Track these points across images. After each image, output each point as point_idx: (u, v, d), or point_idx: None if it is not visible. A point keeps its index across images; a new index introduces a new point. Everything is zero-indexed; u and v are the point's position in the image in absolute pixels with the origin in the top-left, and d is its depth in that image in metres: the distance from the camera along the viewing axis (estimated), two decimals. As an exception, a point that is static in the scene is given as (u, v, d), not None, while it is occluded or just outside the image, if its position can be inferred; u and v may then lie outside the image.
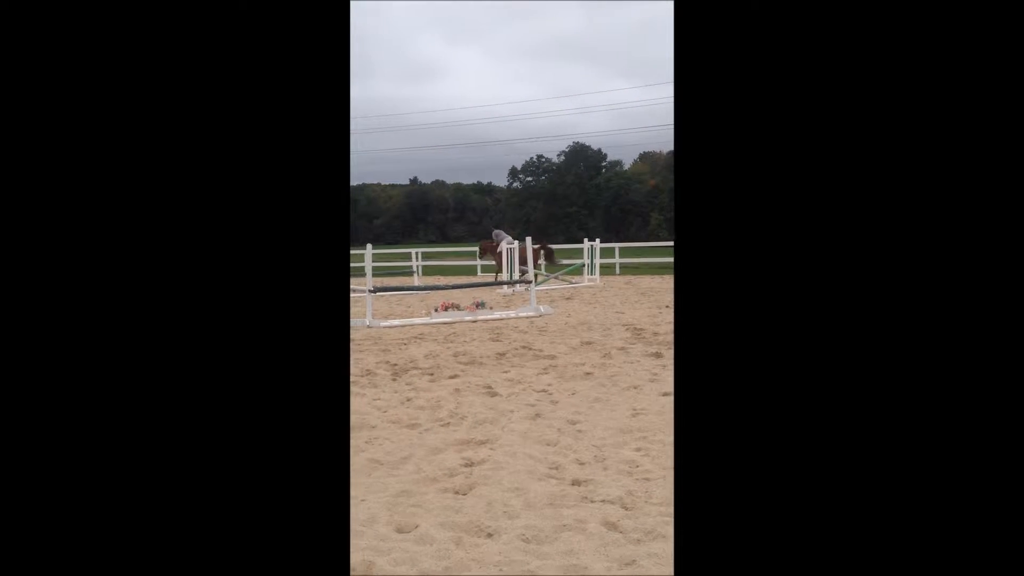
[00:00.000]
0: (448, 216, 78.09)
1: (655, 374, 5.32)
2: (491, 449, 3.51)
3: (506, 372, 5.59)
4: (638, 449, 3.43)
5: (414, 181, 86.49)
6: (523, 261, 12.84)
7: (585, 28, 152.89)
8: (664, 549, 2.28)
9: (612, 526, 2.50)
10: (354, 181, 78.18)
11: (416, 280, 18.95)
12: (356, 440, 3.72)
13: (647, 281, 17.16)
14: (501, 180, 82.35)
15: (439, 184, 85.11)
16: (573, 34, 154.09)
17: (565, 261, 19.41)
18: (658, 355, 6.12)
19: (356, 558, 2.27)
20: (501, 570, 2.20)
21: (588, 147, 69.88)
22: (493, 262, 16.93)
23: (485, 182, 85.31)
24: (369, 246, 10.48)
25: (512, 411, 4.28)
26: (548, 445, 3.56)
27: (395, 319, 9.58)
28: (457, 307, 10.33)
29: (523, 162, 74.57)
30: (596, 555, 2.28)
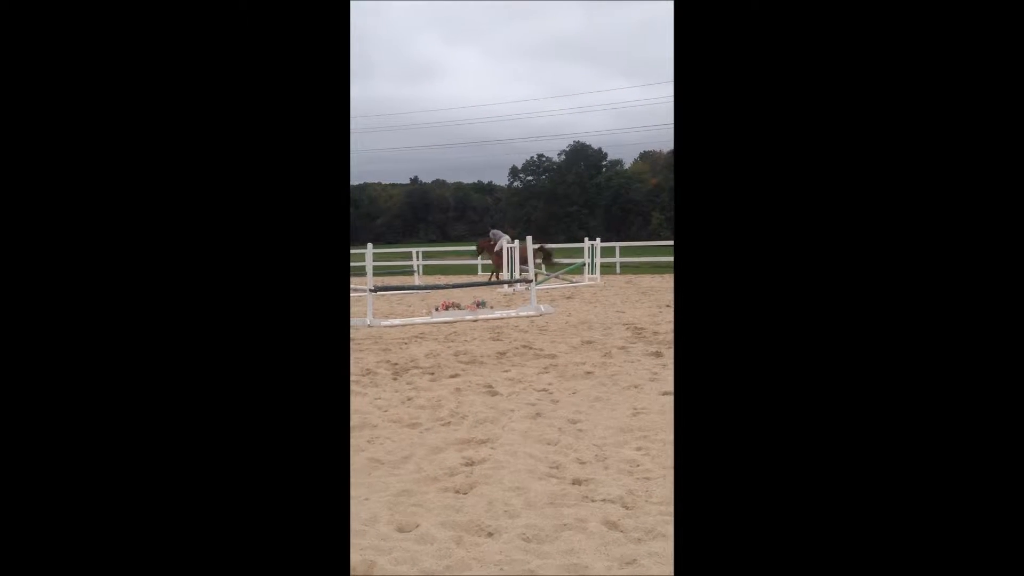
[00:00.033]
0: (449, 215, 78.07)
1: (655, 373, 5.32)
2: (492, 448, 3.51)
3: (507, 371, 5.59)
4: (639, 448, 3.43)
5: (415, 180, 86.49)
6: (524, 261, 12.84)
7: (585, 28, 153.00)
8: (664, 548, 2.28)
9: (613, 525, 2.51)
10: (355, 180, 78.26)
11: (417, 279, 18.94)
12: (357, 439, 3.72)
13: (647, 280, 17.16)
14: (502, 179, 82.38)
15: (440, 183, 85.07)
16: (573, 34, 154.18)
17: (564, 260, 19.42)
18: (658, 354, 6.12)
19: (357, 557, 2.27)
20: (502, 569, 2.21)
21: (589, 146, 69.84)
22: (490, 260, 16.97)
23: (486, 181, 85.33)
24: (370, 245, 10.48)
25: (513, 410, 4.28)
26: (549, 444, 3.56)
27: (396, 318, 9.58)
28: (458, 306, 10.33)
29: (523, 161, 74.60)
30: (597, 554, 2.28)
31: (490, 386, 5.02)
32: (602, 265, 17.76)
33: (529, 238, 12.01)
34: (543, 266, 16.52)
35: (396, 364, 6.04)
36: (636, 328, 7.93)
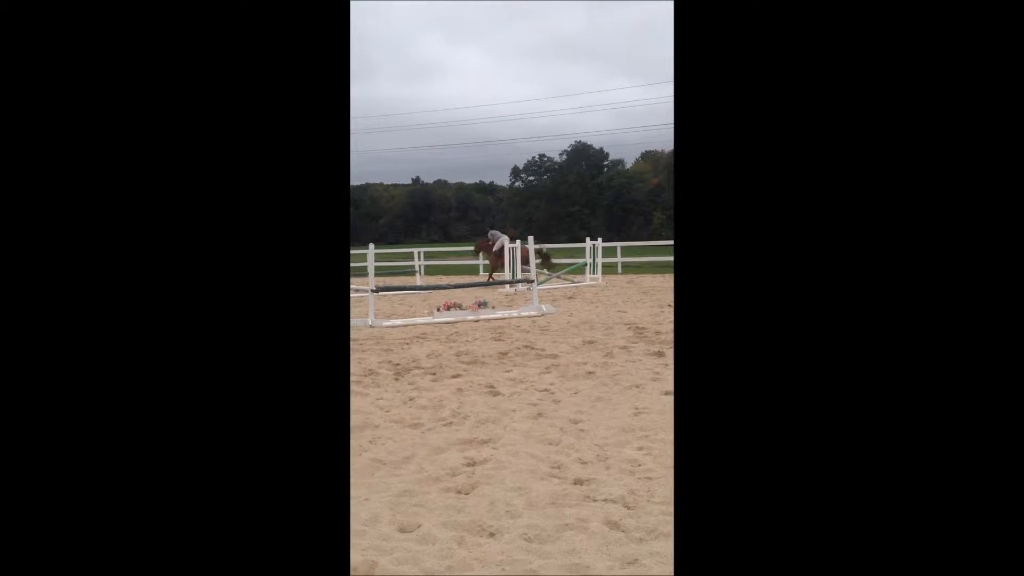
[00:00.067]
0: (450, 215, 78.09)
1: (657, 373, 5.31)
2: (493, 448, 3.51)
3: (508, 371, 5.59)
4: (640, 448, 3.43)
5: (416, 181, 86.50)
6: (525, 261, 12.85)
7: (585, 28, 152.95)
8: (666, 548, 2.28)
9: (614, 525, 2.50)
10: (356, 181, 78.32)
11: (418, 280, 18.96)
12: (359, 440, 3.72)
13: (649, 280, 17.15)
14: (503, 179, 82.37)
15: (441, 184, 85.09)
16: (573, 34, 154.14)
17: (563, 261, 19.41)
18: (660, 354, 6.12)
19: (359, 558, 2.27)
20: (503, 569, 2.21)
21: (590, 146, 69.81)
22: (487, 261, 17.01)
23: (487, 181, 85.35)
24: (371, 245, 10.48)
25: (514, 410, 4.28)
26: (550, 444, 3.56)
27: (397, 319, 9.59)
28: (459, 306, 10.33)
29: (525, 161, 74.61)
30: (598, 554, 2.28)
31: (492, 386, 5.02)
32: (603, 265, 17.75)
33: (531, 238, 12.02)
34: (545, 268, 16.53)
35: (398, 364, 6.04)
36: (638, 328, 7.93)
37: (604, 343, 6.89)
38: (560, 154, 71.22)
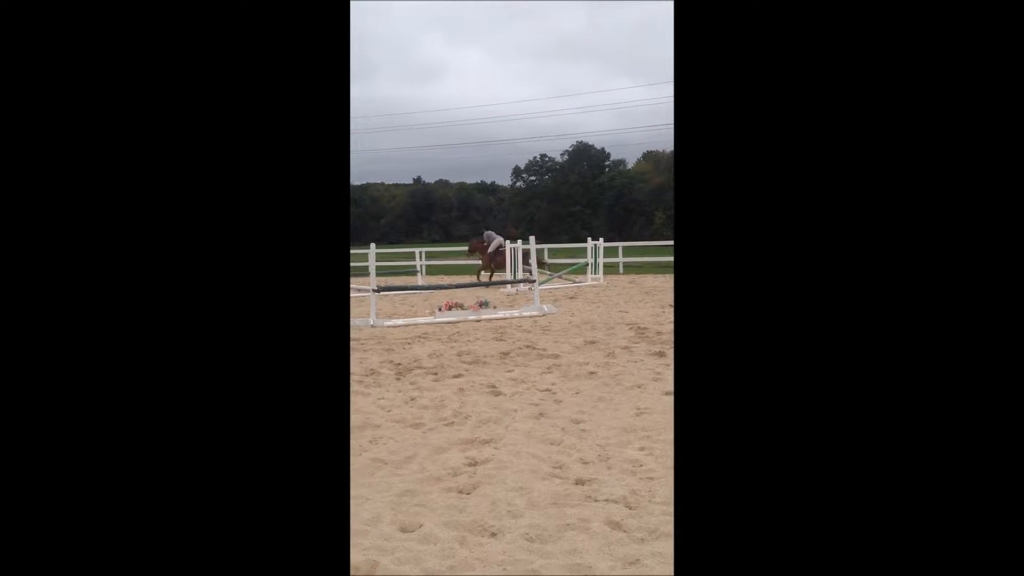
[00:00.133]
0: (452, 215, 78.10)
1: (659, 373, 5.31)
2: (495, 448, 3.51)
3: (510, 371, 5.59)
4: (642, 448, 3.43)
5: (418, 180, 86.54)
6: (525, 261, 12.85)
7: (585, 28, 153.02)
8: (668, 548, 2.28)
9: (616, 525, 2.50)
10: (358, 181, 78.40)
11: (420, 279, 18.96)
12: (360, 440, 3.72)
13: (650, 280, 17.14)
14: (505, 179, 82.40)
15: (443, 183, 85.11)
16: (573, 34, 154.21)
17: (557, 261, 19.40)
18: (661, 354, 6.12)
19: (360, 557, 2.27)
20: (505, 569, 2.21)
21: (591, 146, 69.78)
22: (480, 261, 17.04)
23: (489, 181, 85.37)
24: (373, 245, 10.49)
25: (516, 410, 4.28)
26: (552, 444, 3.56)
27: (399, 318, 9.59)
28: (461, 306, 10.33)
29: (526, 161, 74.60)
30: (600, 554, 2.28)
31: (493, 386, 5.02)
32: (605, 265, 17.75)
33: (532, 238, 12.02)
34: (541, 268, 16.53)
35: (399, 364, 6.04)
36: (639, 328, 7.93)
37: (606, 343, 6.89)
38: (561, 154, 71.26)
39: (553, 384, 5.05)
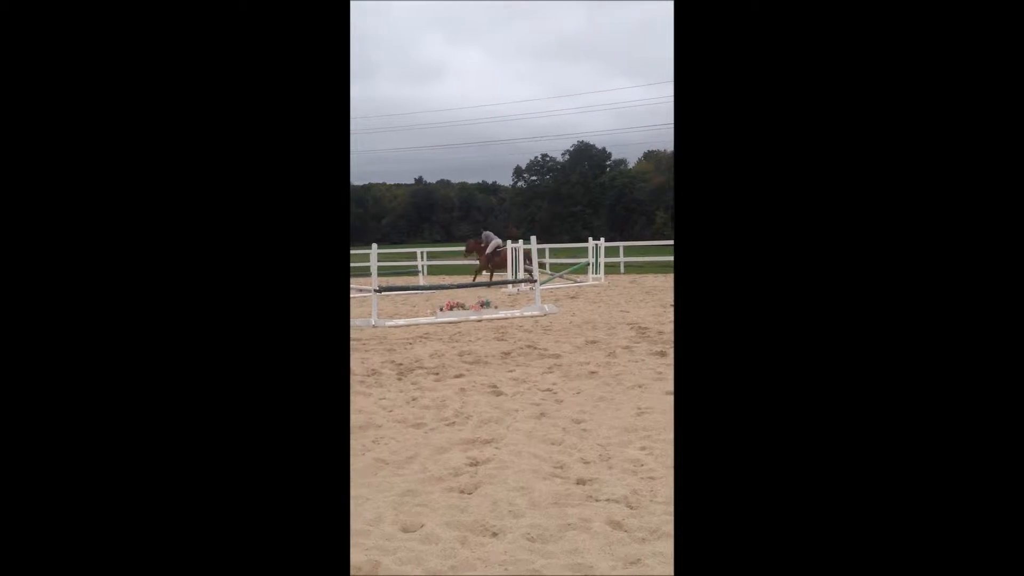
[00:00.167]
0: (453, 215, 78.09)
1: (660, 373, 5.31)
2: (496, 448, 3.51)
3: (511, 371, 5.60)
4: (643, 448, 3.43)
5: (419, 181, 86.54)
6: (527, 261, 12.86)
7: (585, 28, 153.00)
8: (669, 548, 2.28)
9: (617, 525, 2.50)
10: (359, 181, 78.43)
11: (421, 279, 18.96)
12: (362, 440, 3.73)
13: (651, 280, 17.14)
14: (506, 179, 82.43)
15: (444, 183, 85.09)
16: (574, 34, 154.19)
17: (557, 261, 19.41)
18: (662, 354, 6.11)
19: (362, 557, 2.27)
20: (506, 569, 2.21)
21: (592, 146, 69.79)
22: (477, 261, 17.06)
23: (490, 181, 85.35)
24: (374, 246, 10.50)
25: (517, 410, 4.28)
26: (553, 444, 3.56)
27: (400, 318, 9.59)
28: (462, 306, 10.33)
29: (527, 161, 74.60)
30: (601, 554, 2.28)
31: (494, 386, 5.02)
32: (606, 265, 17.75)
33: (533, 238, 12.03)
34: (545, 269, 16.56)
35: (401, 364, 6.05)
36: (640, 328, 7.93)
37: (607, 343, 6.89)
38: (562, 154, 71.28)
39: (554, 384, 5.05)
